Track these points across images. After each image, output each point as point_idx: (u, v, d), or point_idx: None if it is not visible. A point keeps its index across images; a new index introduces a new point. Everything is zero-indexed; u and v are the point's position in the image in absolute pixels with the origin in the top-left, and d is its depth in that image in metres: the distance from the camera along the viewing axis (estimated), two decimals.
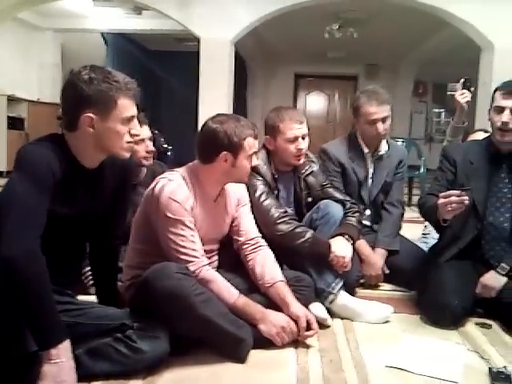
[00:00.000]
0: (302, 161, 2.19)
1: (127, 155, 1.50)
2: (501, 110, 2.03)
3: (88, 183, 1.50)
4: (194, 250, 1.65)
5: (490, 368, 1.58)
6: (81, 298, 1.72)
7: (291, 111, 2.18)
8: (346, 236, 2.08)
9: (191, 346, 1.62)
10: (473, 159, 2.17)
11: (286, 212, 2.06)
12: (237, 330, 1.60)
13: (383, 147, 2.52)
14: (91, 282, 2.00)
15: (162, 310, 1.52)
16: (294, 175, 2.27)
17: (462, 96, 2.53)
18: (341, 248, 2.03)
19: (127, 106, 1.42)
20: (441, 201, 1.88)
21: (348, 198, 2.29)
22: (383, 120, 2.37)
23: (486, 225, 2.09)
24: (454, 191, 1.87)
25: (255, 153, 1.79)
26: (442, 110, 10.10)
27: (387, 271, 2.41)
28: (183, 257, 1.63)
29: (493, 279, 1.98)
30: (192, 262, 1.63)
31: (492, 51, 5.15)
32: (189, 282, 1.54)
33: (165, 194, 1.63)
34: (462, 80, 2.57)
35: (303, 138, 2.14)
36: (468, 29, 5.29)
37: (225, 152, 1.70)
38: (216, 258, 1.89)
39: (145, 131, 2.29)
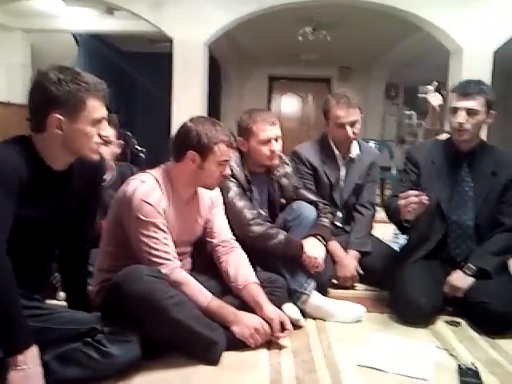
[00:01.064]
0: (275, 162, 2.20)
1: (96, 157, 1.48)
2: (455, 110, 2.07)
3: (56, 186, 1.47)
4: (166, 252, 1.64)
5: (458, 365, 1.62)
6: (50, 302, 1.68)
7: (264, 113, 2.18)
8: (319, 237, 2.10)
9: (163, 349, 1.60)
10: (435, 159, 2.21)
11: (259, 213, 2.07)
12: (210, 332, 1.59)
13: (354, 150, 2.55)
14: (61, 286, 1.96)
15: (134, 313, 1.50)
16: (267, 177, 2.27)
17: (435, 98, 2.58)
18: (313, 249, 2.04)
19: (96, 107, 1.40)
20: (401, 202, 1.91)
21: (321, 200, 2.31)
22: (352, 124, 2.40)
23: (451, 223, 2.14)
24: (413, 191, 1.90)
25: (227, 161, 1.77)
26: (413, 112, 10.26)
27: (361, 272, 2.44)
28: (155, 259, 1.61)
29: (460, 280, 2.01)
30: (164, 264, 1.62)
31: (461, 55, 5.26)
32: (161, 285, 1.52)
33: (137, 196, 1.61)
34: (436, 84, 2.62)
35: (276, 140, 2.15)
36: (437, 33, 5.39)
37: (193, 152, 1.69)
38: (189, 260, 1.88)
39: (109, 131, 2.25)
